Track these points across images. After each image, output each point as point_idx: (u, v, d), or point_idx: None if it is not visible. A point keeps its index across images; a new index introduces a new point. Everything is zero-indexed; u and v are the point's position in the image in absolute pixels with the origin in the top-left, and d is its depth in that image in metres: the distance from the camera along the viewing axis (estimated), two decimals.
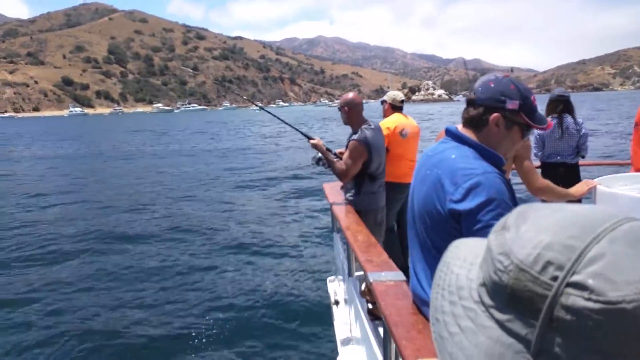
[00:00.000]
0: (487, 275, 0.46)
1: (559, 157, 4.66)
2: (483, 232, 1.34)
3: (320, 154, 3.45)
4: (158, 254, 7.46)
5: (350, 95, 3.57)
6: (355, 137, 3.35)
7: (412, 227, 1.65)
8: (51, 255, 7.68)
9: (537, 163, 4.76)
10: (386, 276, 1.96)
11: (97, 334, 4.90)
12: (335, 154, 3.53)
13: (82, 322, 5.18)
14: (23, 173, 19.40)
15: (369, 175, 3.42)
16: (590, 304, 0.38)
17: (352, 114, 3.46)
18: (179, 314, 5.25)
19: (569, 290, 0.39)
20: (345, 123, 3.53)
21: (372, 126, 3.45)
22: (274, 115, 4.11)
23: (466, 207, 1.40)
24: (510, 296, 0.43)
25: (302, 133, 3.69)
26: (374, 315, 2.57)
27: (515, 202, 1.42)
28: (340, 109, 3.51)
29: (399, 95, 4.44)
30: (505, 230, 0.46)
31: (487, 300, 0.45)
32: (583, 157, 4.79)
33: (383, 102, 4.42)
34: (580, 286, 0.39)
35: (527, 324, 0.41)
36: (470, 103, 1.56)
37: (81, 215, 10.48)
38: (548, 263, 0.41)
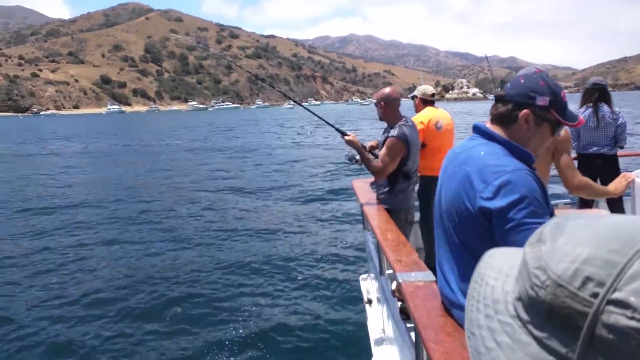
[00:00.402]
0: (524, 289, 0.44)
1: (595, 148, 4.45)
2: (515, 230, 1.33)
3: (354, 151, 3.36)
4: (192, 253, 7.51)
5: (387, 89, 3.44)
6: (393, 133, 3.25)
7: (439, 225, 1.63)
8: (75, 247, 7.95)
9: (574, 155, 4.49)
10: (416, 276, 1.95)
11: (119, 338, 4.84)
12: (366, 148, 3.42)
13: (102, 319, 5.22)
14: (61, 165, 20.30)
15: (404, 174, 3.35)
16: (633, 323, 0.36)
17: (388, 110, 3.36)
18: (215, 314, 5.26)
19: (611, 308, 0.37)
20: (381, 119, 3.43)
21: (410, 123, 3.37)
22: (309, 110, 4.11)
23: (497, 205, 1.37)
24: (549, 312, 0.41)
25: (336, 129, 3.55)
26: (406, 315, 2.53)
27: (547, 200, 1.41)
28: (377, 104, 3.40)
29: (429, 88, 4.34)
30: (541, 242, 0.45)
31: (524, 316, 0.44)
32: (621, 147, 4.58)
33: (414, 97, 4.35)
34: (622, 304, 0.37)
35: (567, 342, 0.40)
36: (499, 99, 1.54)
37: (112, 212, 10.72)
38: (587, 279, 0.39)
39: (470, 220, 1.45)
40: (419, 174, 3.82)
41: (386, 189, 3.38)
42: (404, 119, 3.35)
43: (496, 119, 1.54)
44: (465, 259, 1.50)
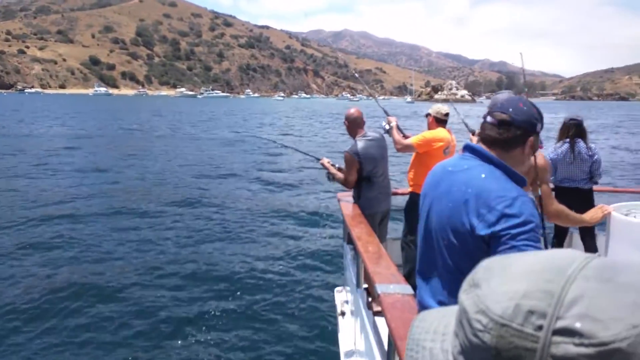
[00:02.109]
0: (465, 340, 0.43)
1: (571, 182, 4.59)
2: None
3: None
4: (148, 254, 7.35)
5: (352, 110, 4.07)
6: (347, 149, 3.90)
7: (426, 241, 1.61)
8: (58, 233, 7.95)
9: (551, 185, 4.53)
10: (394, 289, 1.95)
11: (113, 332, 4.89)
12: (335, 166, 4.09)
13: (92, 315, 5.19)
14: (38, 148, 20.34)
15: (366, 179, 3.85)
16: (583, 350, 0.36)
17: (350, 126, 4.04)
18: (178, 321, 5.17)
19: (557, 338, 0.37)
20: (349, 133, 4.13)
21: (369, 137, 3.92)
22: (284, 145, 5.10)
23: (499, 229, 1.37)
24: (496, 357, 0.40)
25: (310, 155, 4.33)
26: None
27: (543, 226, 1.44)
28: (344, 121, 4.11)
29: (443, 108, 4.46)
30: (476, 287, 0.45)
31: None
32: (596, 183, 4.75)
33: (427, 115, 4.49)
34: (568, 332, 0.37)
35: None
36: (505, 124, 1.51)
37: (93, 197, 10.81)
38: (529, 312, 0.39)
39: (467, 242, 1.44)
40: (410, 189, 4.36)
41: (356, 195, 3.93)
42: (362, 133, 3.95)
43: (498, 142, 1.52)
44: (454, 275, 1.50)
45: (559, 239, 4.68)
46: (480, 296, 0.43)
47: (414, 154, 4.37)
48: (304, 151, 4.66)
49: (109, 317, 5.19)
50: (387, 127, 4.24)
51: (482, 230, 1.40)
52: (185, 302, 5.55)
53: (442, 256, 1.53)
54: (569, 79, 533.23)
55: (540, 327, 0.38)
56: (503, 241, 1.36)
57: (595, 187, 4.75)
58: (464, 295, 0.45)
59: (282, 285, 6.21)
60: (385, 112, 4.41)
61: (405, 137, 4.29)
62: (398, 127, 4.29)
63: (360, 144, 3.86)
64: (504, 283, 0.42)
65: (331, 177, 4.04)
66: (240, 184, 13.48)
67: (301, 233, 8.76)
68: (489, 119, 1.55)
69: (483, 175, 1.47)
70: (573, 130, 4.67)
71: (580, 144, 4.62)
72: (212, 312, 5.33)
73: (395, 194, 4.41)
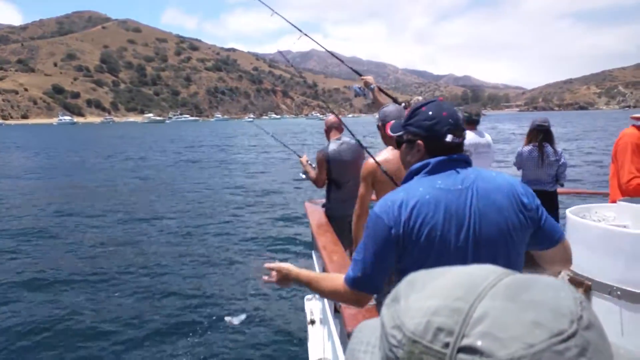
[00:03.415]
0: (384, 354, 0.43)
1: (538, 185, 4.71)
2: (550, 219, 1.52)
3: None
4: (132, 264, 7.41)
5: (330, 117, 4.31)
6: (320, 149, 4.13)
7: (469, 255, 1.43)
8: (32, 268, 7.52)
9: None
10: None
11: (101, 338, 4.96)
12: (311, 165, 4.28)
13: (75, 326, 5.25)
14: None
15: (334, 182, 4.01)
16: None
17: (327, 130, 4.26)
18: (147, 330, 5.17)
19: (461, 356, 0.38)
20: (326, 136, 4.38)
21: (341, 141, 4.08)
22: (267, 132, 5.00)
23: (541, 209, 1.51)
24: None
25: (293, 151, 4.57)
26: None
27: None
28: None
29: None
30: (396, 301, 0.45)
31: None
32: (562, 185, 4.94)
33: None
34: (470, 350, 0.37)
35: None
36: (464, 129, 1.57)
37: (65, 227, 10.39)
38: (438, 330, 0.39)
39: (525, 233, 1.48)
40: None
41: (327, 198, 4.11)
42: (336, 137, 4.13)
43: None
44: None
45: None
46: (398, 311, 0.43)
47: None
48: (293, 149, 4.87)
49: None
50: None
51: (534, 215, 1.48)
52: (152, 313, 5.51)
53: (506, 260, 1.47)
54: (530, 91, 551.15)
55: (447, 345, 0.38)
56: (545, 214, 1.51)
57: (559, 190, 4.95)
58: (385, 309, 0.45)
59: (254, 295, 6.20)
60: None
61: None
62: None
63: (332, 146, 4.04)
64: (420, 299, 0.43)
65: (306, 174, 4.24)
66: (211, 199, 13.55)
67: (272, 240, 8.92)
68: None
69: (494, 174, 1.51)
70: (541, 136, 4.82)
71: (548, 148, 4.79)
72: (182, 322, 5.33)
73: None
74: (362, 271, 1.45)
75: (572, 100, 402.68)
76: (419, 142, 1.49)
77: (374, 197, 2.79)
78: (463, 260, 1.42)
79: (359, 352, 0.49)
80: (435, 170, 1.46)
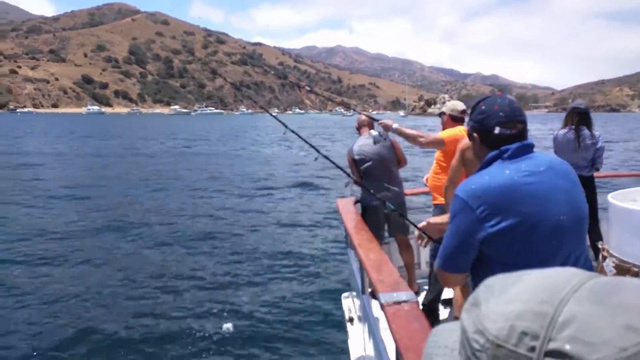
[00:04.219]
0: (466, 358, 0.44)
1: (574, 170, 4.88)
2: None
3: (379, 132, 4.01)
4: (164, 260, 7.42)
5: (362, 117, 4.58)
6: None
7: (551, 236, 1.47)
8: (50, 253, 7.65)
9: None
10: (398, 297, 1.93)
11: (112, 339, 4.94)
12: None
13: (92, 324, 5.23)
14: (34, 167, 19.59)
15: (363, 172, 4.24)
16: None
17: (359, 129, 4.55)
18: (191, 326, 5.16)
19: None
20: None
21: (366, 135, 4.31)
22: (292, 131, 3.95)
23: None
24: None
25: (372, 118, 4.52)
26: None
27: None
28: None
29: (459, 105, 3.90)
30: (476, 306, 0.45)
31: None
32: (598, 169, 4.72)
33: (441, 114, 3.97)
34: (558, 354, 0.37)
35: None
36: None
37: (90, 213, 10.47)
38: (523, 334, 0.40)
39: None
40: (437, 201, 3.87)
41: (361, 189, 4.23)
42: (364, 133, 4.39)
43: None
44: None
45: None
46: (479, 316, 0.43)
47: (436, 158, 3.94)
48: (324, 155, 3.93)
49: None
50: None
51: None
52: (192, 317, 5.45)
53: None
54: (560, 91, 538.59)
55: (533, 349, 0.39)
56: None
57: (596, 174, 4.74)
58: (464, 314, 0.46)
59: (290, 293, 6.16)
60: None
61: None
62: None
63: (358, 142, 4.35)
64: (501, 303, 0.43)
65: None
66: (237, 194, 13.71)
67: (304, 239, 8.83)
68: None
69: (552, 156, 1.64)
70: (577, 118, 4.62)
71: (585, 131, 4.58)
72: (221, 327, 5.22)
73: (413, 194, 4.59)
74: (447, 253, 1.55)
75: (603, 102, 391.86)
76: (475, 134, 1.62)
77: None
78: (554, 241, 1.47)
79: (437, 356, 0.50)
80: (516, 154, 1.53)
